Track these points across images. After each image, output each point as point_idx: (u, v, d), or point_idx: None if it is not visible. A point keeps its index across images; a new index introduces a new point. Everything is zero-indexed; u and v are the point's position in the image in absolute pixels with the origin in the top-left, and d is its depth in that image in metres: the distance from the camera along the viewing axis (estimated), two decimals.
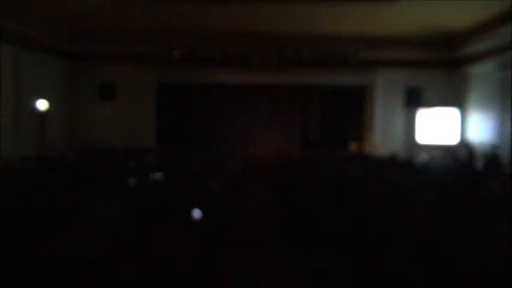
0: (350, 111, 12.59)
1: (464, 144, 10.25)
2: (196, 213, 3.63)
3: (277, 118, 13.47)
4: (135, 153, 8.47)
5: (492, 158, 8.29)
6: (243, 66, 11.11)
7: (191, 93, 12.81)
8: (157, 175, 5.50)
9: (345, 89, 12.33)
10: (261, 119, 13.45)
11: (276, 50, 10.97)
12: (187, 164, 7.07)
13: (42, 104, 9.63)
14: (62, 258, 2.44)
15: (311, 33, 10.56)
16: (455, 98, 10.92)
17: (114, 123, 11.25)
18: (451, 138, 10.64)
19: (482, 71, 9.93)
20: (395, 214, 3.32)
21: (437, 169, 7.35)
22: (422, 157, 9.83)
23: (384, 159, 8.42)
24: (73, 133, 11.10)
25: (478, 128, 10.06)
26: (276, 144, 12.00)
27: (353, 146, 11.90)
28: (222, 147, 11.28)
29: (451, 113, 10.72)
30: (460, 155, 9.54)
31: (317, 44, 11.00)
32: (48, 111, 9.82)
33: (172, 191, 4.43)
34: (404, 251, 2.53)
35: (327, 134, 12.86)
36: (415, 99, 11.39)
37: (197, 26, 10.16)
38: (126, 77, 11.39)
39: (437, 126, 10.83)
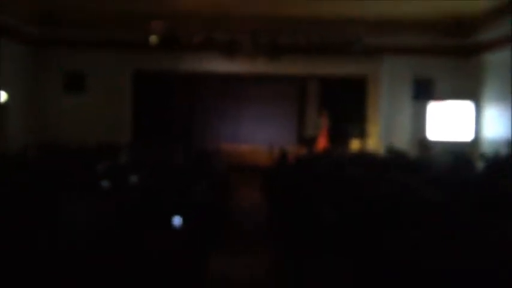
0: (352, 104, 12.63)
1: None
2: (177, 221, 3.65)
3: (270, 112, 13.54)
4: (108, 151, 8.41)
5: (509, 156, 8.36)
6: (231, 53, 11.09)
7: (172, 84, 12.83)
8: (133, 177, 5.51)
9: (346, 79, 12.37)
10: (251, 113, 13.53)
11: (268, 35, 10.96)
12: (166, 163, 7.04)
13: (1, 96, 9.53)
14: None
15: (308, 15, 10.56)
16: (470, 89, 10.99)
17: (84, 118, 11.25)
18: (465, 135, 10.74)
19: (499, 60, 9.97)
20: (400, 216, 3.37)
21: (447, 168, 7.41)
22: (432, 155, 9.89)
23: (389, 158, 8.47)
24: (37, 128, 11.04)
25: (495, 123, 10.18)
26: (268, 142, 12.01)
27: (355, 144, 11.98)
28: (207, 144, 11.30)
29: (465, 107, 10.80)
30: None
31: (315, 29, 11.01)
32: (8, 104, 9.73)
33: (150, 196, 4.44)
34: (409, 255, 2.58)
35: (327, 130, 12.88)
36: (425, 91, 11.47)
37: (178, 7, 10.11)
38: (97, 65, 11.36)
39: (449, 122, 10.91)
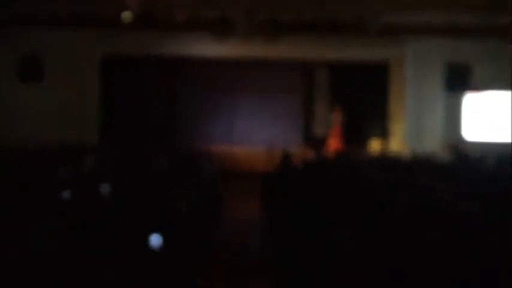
0: (371, 97, 12.64)
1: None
2: (155, 240, 3.64)
3: (270, 106, 13.49)
4: (72, 153, 8.42)
5: None
6: (222, 33, 11.00)
7: (150, 72, 12.84)
8: (102, 185, 5.46)
9: (363, 65, 12.37)
10: (247, 107, 13.49)
11: (268, 11, 10.87)
12: (143, 169, 7.10)
13: None
14: None
15: None
16: None
17: (42, 112, 11.26)
18: (510, 134, 10.64)
19: None
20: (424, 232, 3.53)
21: (487, 174, 7.43)
22: (469, 159, 9.87)
23: (417, 162, 8.47)
24: None
25: None
26: (268, 143, 12.01)
27: (375, 145, 12.01)
28: (193, 145, 11.15)
29: (509, 99, 10.77)
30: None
31: (324, 3, 10.81)
32: None
33: (122, 209, 4.41)
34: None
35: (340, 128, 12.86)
36: (459, 80, 11.46)
37: None
38: (58, 48, 11.37)
39: (490, 117, 10.91)
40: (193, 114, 13.23)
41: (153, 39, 11.39)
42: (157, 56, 11.87)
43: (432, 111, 11.74)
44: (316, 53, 11.94)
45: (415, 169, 7.61)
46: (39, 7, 10.98)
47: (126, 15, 10.73)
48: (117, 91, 12.17)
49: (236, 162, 11.50)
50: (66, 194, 4.94)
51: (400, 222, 4.13)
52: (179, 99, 13.24)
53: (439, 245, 3.16)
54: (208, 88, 13.27)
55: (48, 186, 5.34)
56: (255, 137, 13.14)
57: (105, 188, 5.32)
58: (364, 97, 12.71)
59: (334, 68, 13.23)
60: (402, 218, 4.22)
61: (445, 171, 7.49)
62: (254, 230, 7.30)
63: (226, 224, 7.57)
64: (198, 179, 6.71)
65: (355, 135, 12.38)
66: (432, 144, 10.93)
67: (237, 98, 13.41)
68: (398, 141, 11.86)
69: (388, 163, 8.75)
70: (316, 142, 12.97)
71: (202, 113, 13.26)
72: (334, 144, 12.24)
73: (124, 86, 12.44)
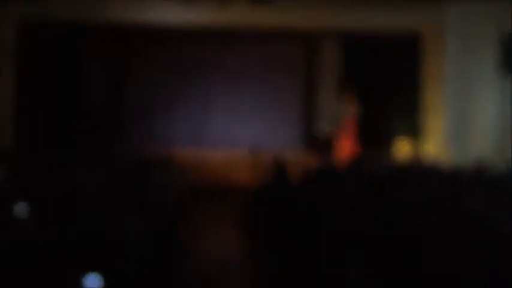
0: (396, 80, 12.72)
1: None
2: (92, 282, 3.60)
3: (257, 94, 13.66)
4: None
5: None
6: None
7: (89, 44, 12.95)
8: (17, 205, 5.39)
9: (386, 38, 12.44)
10: (226, 95, 13.66)
11: None
12: (74, 182, 6.97)
13: None
14: None
15: None
16: None
17: None
18: None
19: None
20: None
21: None
22: None
23: (461, 173, 8.38)
24: None
25: None
26: (253, 145, 11.94)
27: (403, 148, 11.98)
28: (148, 148, 11.27)
29: None
30: None
31: None
32: None
33: (45, 237, 4.26)
34: None
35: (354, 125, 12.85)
36: None
37: None
38: None
39: None
40: (149, 105, 13.35)
41: (93, 0, 11.36)
42: (99, 22, 11.86)
43: (482, 101, 11.74)
44: (322, 20, 11.94)
45: (459, 183, 7.58)
46: None
47: None
48: (40, 73, 12.09)
49: (208, 173, 11.49)
50: None
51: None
52: (129, 84, 13.39)
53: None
54: (171, 69, 13.41)
55: None
56: (235, 136, 13.28)
57: (21, 209, 5.30)
58: (388, 81, 12.84)
59: (347, 40, 13.40)
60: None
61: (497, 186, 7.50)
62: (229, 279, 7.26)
63: (191, 267, 7.39)
64: (154, 198, 6.58)
65: (375, 134, 12.56)
66: (483, 144, 11.05)
67: (211, 83, 13.52)
68: (435, 142, 11.87)
69: (421, 173, 8.76)
70: (321, 143, 13.10)
71: (161, 104, 13.40)
72: (346, 146, 12.34)
73: (50, 66, 12.35)
